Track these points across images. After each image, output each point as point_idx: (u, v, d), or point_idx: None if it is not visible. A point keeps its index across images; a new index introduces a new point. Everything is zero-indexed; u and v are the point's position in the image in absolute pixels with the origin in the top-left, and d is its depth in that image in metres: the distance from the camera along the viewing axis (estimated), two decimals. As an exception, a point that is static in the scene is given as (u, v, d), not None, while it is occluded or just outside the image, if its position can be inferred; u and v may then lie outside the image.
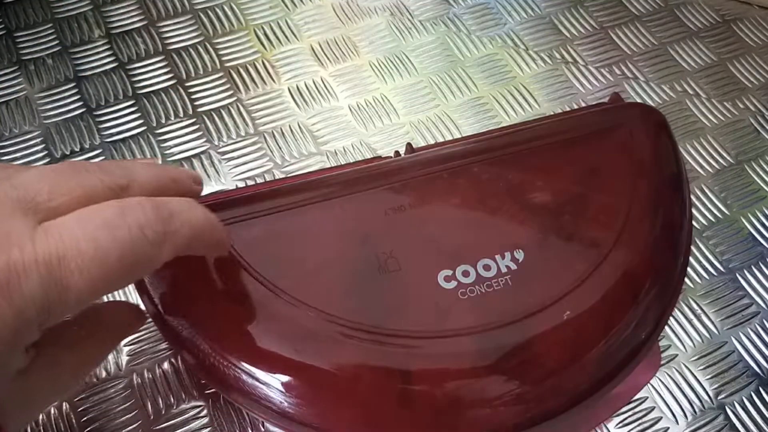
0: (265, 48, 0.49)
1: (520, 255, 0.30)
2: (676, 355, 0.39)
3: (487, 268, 0.30)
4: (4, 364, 0.21)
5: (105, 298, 0.34)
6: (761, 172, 0.46)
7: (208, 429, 0.35)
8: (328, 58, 0.49)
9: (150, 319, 0.30)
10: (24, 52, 0.48)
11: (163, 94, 0.46)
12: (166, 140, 0.44)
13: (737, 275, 0.42)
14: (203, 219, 0.25)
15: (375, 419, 0.28)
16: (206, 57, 0.48)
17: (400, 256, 0.30)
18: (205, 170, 0.43)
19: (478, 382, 0.28)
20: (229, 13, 0.51)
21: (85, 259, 0.20)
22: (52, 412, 0.35)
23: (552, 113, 0.47)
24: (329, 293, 0.29)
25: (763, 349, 0.39)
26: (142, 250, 0.22)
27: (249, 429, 0.35)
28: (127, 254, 0.21)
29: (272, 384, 0.28)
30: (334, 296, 0.29)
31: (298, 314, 0.28)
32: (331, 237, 0.31)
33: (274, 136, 0.45)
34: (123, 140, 0.44)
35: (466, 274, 0.29)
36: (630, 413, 0.37)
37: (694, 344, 0.39)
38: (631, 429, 0.36)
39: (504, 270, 0.30)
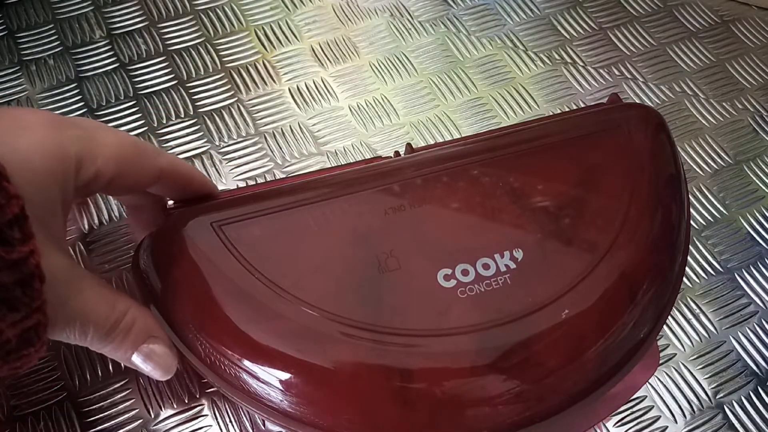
0: (265, 49, 0.49)
1: (519, 254, 0.30)
2: (675, 354, 0.39)
3: (486, 267, 0.30)
4: (52, 198, 0.27)
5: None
6: (759, 172, 0.46)
7: (209, 428, 0.35)
8: (328, 59, 0.49)
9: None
10: (25, 52, 0.48)
11: (164, 95, 0.47)
12: (167, 140, 0.45)
13: (735, 275, 0.42)
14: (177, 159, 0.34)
15: (374, 417, 0.28)
16: (207, 57, 0.49)
17: (400, 255, 0.30)
18: (206, 170, 0.44)
19: (476, 380, 0.28)
20: (230, 13, 0.51)
21: (111, 138, 0.29)
22: (54, 410, 0.35)
23: (551, 114, 0.47)
24: (330, 292, 0.29)
25: (762, 348, 0.39)
26: (145, 148, 0.31)
27: (250, 429, 0.35)
28: (138, 144, 0.31)
29: (272, 382, 0.28)
30: (334, 295, 0.29)
31: (299, 313, 0.28)
32: (332, 236, 0.31)
33: (274, 137, 0.45)
34: (124, 140, 0.44)
35: (465, 272, 0.30)
36: (628, 412, 0.37)
37: (692, 343, 0.39)
38: (630, 428, 0.37)
39: (503, 269, 0.30)
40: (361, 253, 0.30)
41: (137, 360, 0.31)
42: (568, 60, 0.50)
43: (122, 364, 0.36)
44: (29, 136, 0.26)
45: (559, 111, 0.48)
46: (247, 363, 0.28)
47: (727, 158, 0.47)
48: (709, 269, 0.42)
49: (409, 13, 0.52)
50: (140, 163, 0.30)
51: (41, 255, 0.24)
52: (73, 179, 0.27)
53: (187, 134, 0.45)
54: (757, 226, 0.44)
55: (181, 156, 0.44)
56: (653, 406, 0.37)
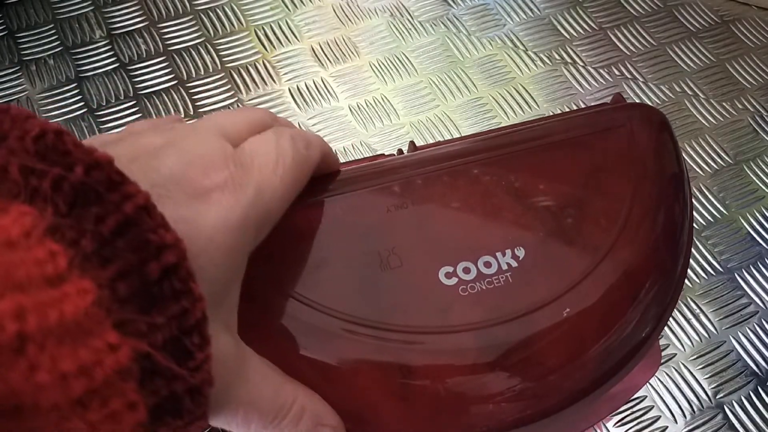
0: (265, 49, 0.49)
1: (521, 252, 0.30)
2: (675, 354, 0.39)
3: (487, 265, 0.30)
4: (230, 277, 0.24)
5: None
6: (760, 172, 0.46)
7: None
8: (328, 59, 0.49)
9: None
10: (25, 52, 0.48)
11: (164, 95, 0.47)
12: (167, 140, 0.44)
13: (736, 275, 0.42)
14: (320, 139, 0.31)
15: (374, 414, 0.28)
16: (207, 57, 0.49)
17: (402, 253, 0.30)
18: (206, 170, 0.44)
19: (477, 378, 0.28)
20: (230, 13, 0.51)
21: (274, 166, 0.26)
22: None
23: (551, 114, 0.47)
24: (331, 288, 0.29)
25: (762, 348, 0.39)
26: (302, 156, 0.28)
27: (250, 427, 0.35)
28: (296, 157, 0.27)
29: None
30: (335, 291, 0.29)
31: (299, 309, 0.28)
32: (333, 233, 0.31)
33: (274, 136, 0.45)
34: (124, 140, 0.44)
35: (466, 270, 0.29)
36: (629, 412, 0.37)
37: (692, 344, 0.39)
38: (630, 428, 0.37)
39: (505, 267, 0.30)
40: (362, 250, 0.30)
41: None
42: (568, 60, 0.50)
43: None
44: (212, 209, 0.22)
45: (559, 111, 0.48)
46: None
47: (727, 158, 0.47)
48: (709, 269, 0.42)
49: (409, 13, 0.52)
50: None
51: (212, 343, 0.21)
52: (248, 250, 0.25)
53: (187, 134, 0.45)
54: (757, 226, 0.44)
55: (181, 156, 0.44)
56: (653, 406, 0.37)
